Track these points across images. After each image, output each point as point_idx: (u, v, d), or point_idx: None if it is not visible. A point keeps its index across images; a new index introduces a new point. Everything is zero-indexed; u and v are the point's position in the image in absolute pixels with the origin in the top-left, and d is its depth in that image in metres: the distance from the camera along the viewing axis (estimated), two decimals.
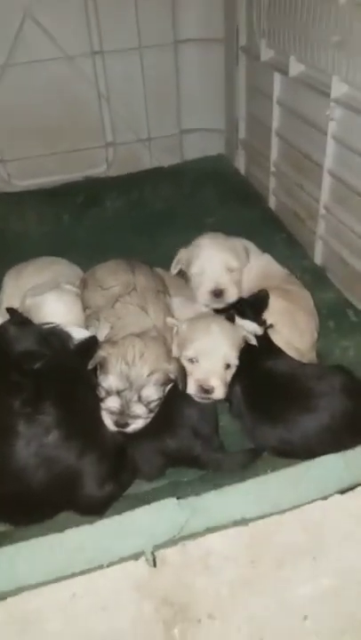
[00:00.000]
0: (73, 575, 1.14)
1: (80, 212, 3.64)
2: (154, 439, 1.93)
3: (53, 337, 2.08)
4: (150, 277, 2.33)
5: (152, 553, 1.17)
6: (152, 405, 1.88)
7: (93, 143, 3.91)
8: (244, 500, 1.23)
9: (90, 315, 2.24)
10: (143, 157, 4.05)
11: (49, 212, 3.61)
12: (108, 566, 1.14)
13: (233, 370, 2.02)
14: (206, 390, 1.95)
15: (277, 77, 3.03)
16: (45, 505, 1.76)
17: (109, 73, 3.67)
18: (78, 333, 2.11)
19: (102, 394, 1.86)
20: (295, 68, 2.83)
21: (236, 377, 2.04)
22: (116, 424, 1.82)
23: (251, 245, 2.64)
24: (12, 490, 1.72)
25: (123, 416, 1.82)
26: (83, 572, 1.26)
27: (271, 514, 1.27)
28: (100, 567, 1.16)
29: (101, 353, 1.89)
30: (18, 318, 2.20)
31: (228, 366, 2.01)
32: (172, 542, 1.31)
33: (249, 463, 1.96)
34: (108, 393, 1.84)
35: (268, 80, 3.11)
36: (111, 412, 1.83)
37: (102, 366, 1.89)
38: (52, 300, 2.38)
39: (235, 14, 3.38)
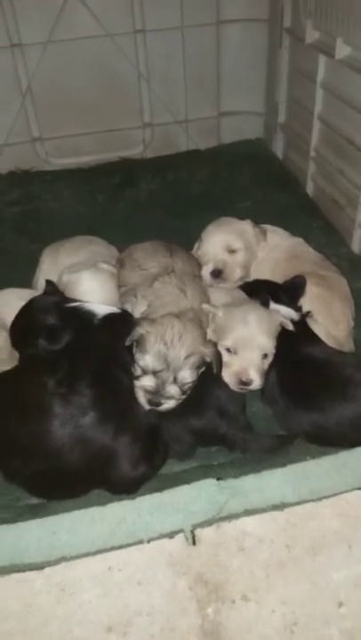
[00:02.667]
0: (113, 548, 1.15)
1: (115, 192, 3.63)
2: (182, 418, 1.93)
3: (76, 315, 2.07)
4: (188, 261, 2.33)
5: (192, 531, 1.17)
6: (186, 387, 1.88)
7: (131, 123, 3.89)
8: (283, 485, 1.23)
9: (125, 292, 2.25)
10: (180, 139, 4.01)
11: (84, 192, 3.62)
12: (148, 542, 1.15)
13: (270, 359, 2.01)
14: (244, 382, 1.94)
15: (322, 60, 2.96)
16: (79, 482, 1.78)
17: (150, 52, 3.63)
18: (102, 310, 2.09)
19: (138, 372, 1.86)
20: (342, 50, 2.75)
21: (270, 362, 2.03)
22: (150, 402, 1.83)
23: (277, 229, 2.64)
24: (47, 467, 1.74)
25: (157, 395, 1.82)
26: (121, 547, 1.28)
27: (309, 500, 1.26)
28: (140, 542, 1.17)
29: (140, 330, 1.88)
30: (51, 291, 2.20)
31: (265, 356, 2.00)
32: (208, 522, 1.32)
33: (276, 448, 1.95)
34: (145, 372, 1.83)
35: (312, 62, 3.04)
36: (146, 391, 1.83)
37: (139, 344, 1.88)
38: (88, 278, 2.40)
39: None
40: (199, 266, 2.44)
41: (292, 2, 3.22)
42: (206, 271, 2.44)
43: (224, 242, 2.48)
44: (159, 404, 1.84)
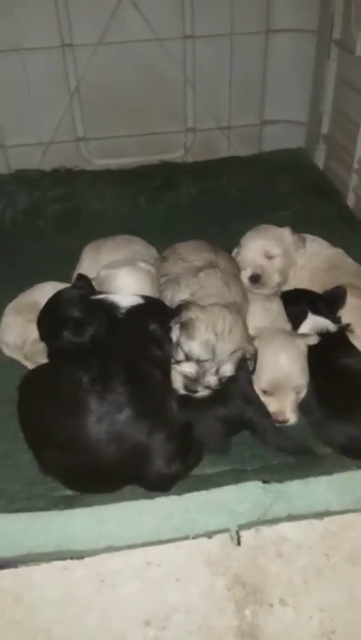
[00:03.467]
0: (160, 542, 1.17)
1: (155, 195, 3.66)
2: (210, 407, 1.93)
3: (102, 307, 2.08)
4: (230, 261, 2.37)
5: (237, 531, 1.18)
6: (224, 380, 1.88)
7: (174, 127, 3.93)
8: (328, 493, 1.24)
9: (167, 281, 2.26)
10: (221, 145, 4.04)
11: (125, 193, 3.65)
12: (194, 538, 1.16)
13: (304, 392, 2.02)
14: (281, 422, 1.96)
15: None
16: (114, 478, 1.80)
17: (198, 58, 3.67)
18: (125, 301, 2.09)
19: (179, 356, 1.83)
20: None
21: (309, 369, 2.03)
22: (186, 388, 1.82)
23: (317, 239, 2.65)
24: (83, 461, 1.77)
25: (195, 383, 1.81)
26: (160, 542, 1.29)
27: (354, 510, 1.27)
28: (185, 538, 1.18)
29: (189, 314, 1.85)
30: (79, 284, 2.23)
31: (299, 392, 2.01)
32: (249, 525, 1.33)
33: (288, 450, 1.96)
34: (188, 358, 1.81)
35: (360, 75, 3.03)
36: (185, 377, 1.81)
37: (186, 328, 1.84)
38: (125, 274, 2.43)
39: (331, 6, 3.30)
40: (239, 269, 2.46)
41: (343, 14, 3.23)
42: (245, 276, 2.45)
43: (263, 247, 2.51)
44: (195, 392, 1.83)
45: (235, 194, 3.63)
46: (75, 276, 2.63)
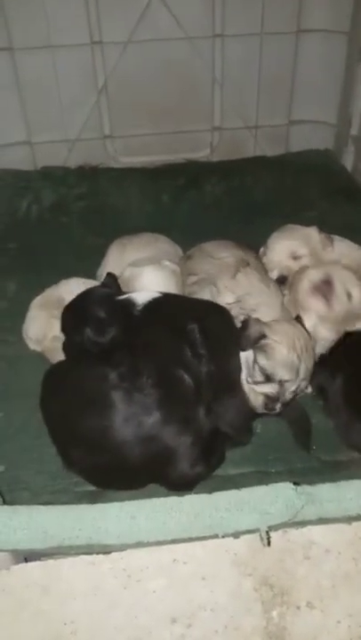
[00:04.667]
0: (190, 539, 1.17)
1: (180, 193, 3.66)
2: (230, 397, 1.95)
3: (127, 307, 2.07)
4: (258, 259, 2.40)
5: (268, 532, 1.17)
6: (299, 393, 1.94)
7: (200, 126, 3.92)
8: (360, 497, 1.22)
9: (199, 281, 2.26)
10: (247, 145, 4.02)
11: (149, 191, 3.66)
12: (223, 537, 1.16)
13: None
14: (270, 409, 1.94)
15: None
16: (138, 477, 1.81)
17: (227, 57, 3.65)
18: (141, 298, 2.08)
19: (258, 377, 1.86)
20: None
21: (337, 367, 2.02)
22: (266, 407, 1.86)
23: (345, 240, 2.62)
24: (107, 461, 1.77)
25: (275, 402, 1.86)
26: (187, 540, 1.29)
27: None
28: (215, 536, 1.18)
29: (268, 336, 1.86)
30: (108, 283, 2.23)
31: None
32: (278, 527, 1.32)
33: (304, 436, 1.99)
34: (269, 379, 1.84)
35: None
36: (267, 397, 1.85)
37: (264, 350, 1.86)
38: (150, 273, 2.43)
39: None
40: (265, 269, 2.45)
41: None
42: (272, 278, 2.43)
43: (289, 248, 2.48)
44: (274, 410, 1.88)
45: (260, 194, 3.61)
46: (99, 273, 2.65)
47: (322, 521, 1.27)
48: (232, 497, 1.18)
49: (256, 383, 1.87)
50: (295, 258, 2.47)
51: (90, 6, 3.42)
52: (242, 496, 1.18)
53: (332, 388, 2.02)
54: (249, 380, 1.90)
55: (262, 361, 1.86)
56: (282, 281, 2.42)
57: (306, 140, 3.96)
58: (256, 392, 1.88)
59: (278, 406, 1.87)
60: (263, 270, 2.29)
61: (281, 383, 1.85)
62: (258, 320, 1.95)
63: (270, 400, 1.85)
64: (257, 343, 1.87)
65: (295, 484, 1.25)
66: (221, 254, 2.27)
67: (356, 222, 3.20)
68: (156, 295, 2.09)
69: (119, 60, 3.60)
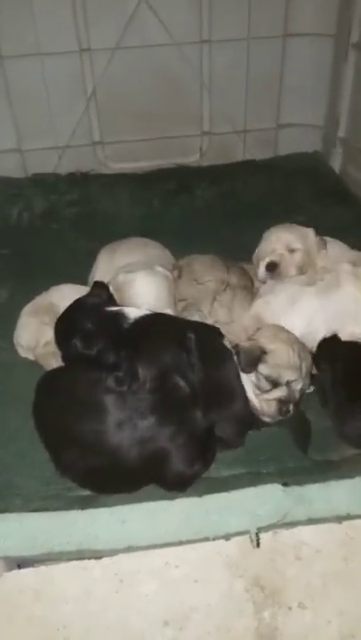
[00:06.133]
0: (180, 543, 1.17)
1: (170, 198, 3.67)
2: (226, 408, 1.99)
3: (111, 320, 2.09)
4: (242, 277, 2.44)
5: (257, 534, 1.18)
6: (304, 393, 2.00)
7: (189, 131, 3.94)
8: (349, 496, 1.23)
9: (187, 307, 2.34)
10: (236, 149, 4.04)
11: (140, 196, 3.67)
12: (213, 539, 1.16)
13: None
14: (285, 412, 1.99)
15: None
16: (133, 479, 1.81)
17: (214, 62, 3.68)
18: (133, 312, 2.10)
19: (265, 385, 1.92)
20: None
21: (337, 355, 2.06)
22: (280, 412, 1.91)
23: (337, 242, 2.64)
24: (102, 465, 1.78)
25: (287, 404, 1.91)
26: (178, 544, 1.30)
27: None
28: (205, 540, 1.18)
29: (263, 346, 1.94)
30: (96, 293, 2.24)
31: None
32: (268, 528, 1.32)
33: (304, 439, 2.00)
34: (277, 384, 1.91)
35: None
36: (280, 401, 1.91)
37: (265, 360, 1.93)
38: (143, 278, 2.44)
39: (350, 10, 3.31)
40: (252, 280, 2.50)
41: None
42: (263, 265, 2.46)
43: (285, 240, 2.49)
44: (288, 412, 1.93)
45: (250, 198, 3.63)
46: (91, 278, 2.66)
47: (312, 521, 1.28)
48: (222, 499, 1.18)
49: (265, 392, 1.93)
50: (290, 250, 2.47)
51: (77, 14, 3.44)
52: (231, 498, 1.19)
53: (330, 374, 2.05)
54: (257, 392, 1.95)
55: (266, 370, 1.93)
56: (271, 268, 2.43)
57: (294, 143, 3.99)
58: (268, 401, 1.93)
59: (291, 407, 1.92)
60: (242, 287, 2.34)
61: (288, 384, 1.91)
62: (249, 340, 2.01)
63: (283, 404, 1.92)
64: (259, 361, 1.93)
65: (285, 484, 1.25)
66: (205, 277, 2.36)
67: (346, 224, 3.22)
68: (149, 312, 2.13)
69: (107, 66, 3.62)
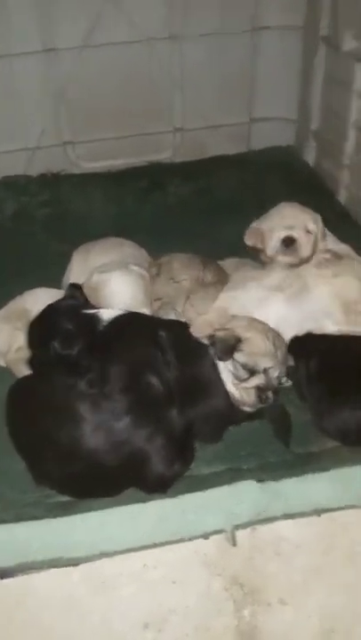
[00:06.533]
0: (155, 545, 1.15)
1: (144, 196, 3.64)
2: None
3: (94, 321, 2.08)
4: (217, 273, 2.42)
5: (233, 532, 1.16)
6: (282, 379, 2.03)
7: (161, 128, 3.90)
8: (326, 490, 1.22)
9: (163, 306, 2.33)
10: (209, 145, 4.00)
11: (113, 195, 3.64)
12: (190, 540, 1.14)
13: None
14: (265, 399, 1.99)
15: (359, 68, 2.96)
16: (113, 483, 1.78)
17: (184, 58, 3.64)
18: (107, 314, 2.10)
19: (243, 374, 1.93)
20: None
21: (314, 347, 2.09)
22: (261, 399, 1.92)
23: (327, 232, 2.61)
24: (80, 470, 1.76)
25: (266, 391, 1.93)
26: (156, 545, 1.27)
27: (352, 506, 1.25)
28: (181, 540, 1.16)
29: (239, 335, 1.97)
30: (71, 295, 2.21)
31: None
32: (245, 525, 1.31)
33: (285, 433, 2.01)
34: (253, 372, 1.92)
35: (348, 71, 3.03)
36: (259, 389, 1.92)
37: (240, 349, 1.95)
38: (118, 278, 2.42)
39: (318, 3, 3.31)
40: (226, 275, 2.46)
41: (331, 11, 3.23)
42: (277, 239, 2.37)
43: (303, 219, 2.43)
44: (268, 399, 1.94)
45: (224, 193, 3.62)
46: (66, 280, 2.62)
47: (290, 516, 1.27)
48: (197, 498, 1.17)
49: (243, 381, 1.94)
50: (308, 232, 2.40)
51: (42, 13, 3.38)
52: (207, 497, 1.17)
53: (307, 371, 2.07)
54: (235, 381, 1.96)
55: (242, 358, 1.94)
56: (288, 243, 2.35)
57: (267, 137, 3.98)
58: (247, 389, 1.94)
59: (270, 394, 1.94)
60: (215, 283, 2.34)
61: (266, 371, 1.93)
62: (224, 329, 2.02)
63: (262, 391, 1.93)
64: (235, 349, 1.94)
65: (260, 481, 1.24)
66: (181, 276, 2.35)
67: (323, 218, 3.21)
68: (122, 312, 2.12)
69: (75, 65, 3.56)
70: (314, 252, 2.43)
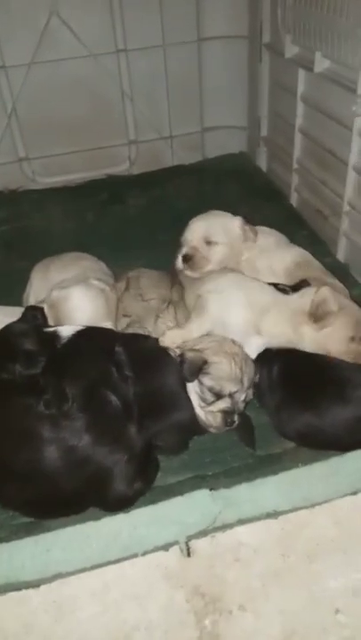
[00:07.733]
0: (108, 563, 1.15)
1: (103, 209, 3.66)
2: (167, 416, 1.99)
3: (53, 338, 2.05)
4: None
5: (186, 543, 1.17)
6: (248, 402, 2.04)
7: (116, 141, 3.94)
8: (275, 494, 1.24)
9: (132, 323, 2.34)
10: (165, 155, 4.07)
11: (72, 210, 3.64)
12: (143, 555, 1.15)
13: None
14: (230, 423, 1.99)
15: (302, 74, 3.02)
16: (75, 503, 1.77)
17: (133, 71, 3.69)
18: (66, 331, 2.08)
19: (209, 397, 1.94)
20: (321, 63, 2.81)
21: (276, 356, 2.10)
22: (226, 423, 1.93)
23: (273, 232, 2.65)
24: (43, 492, 1.74)
25: (231, 415, 1.93)
26: (116, 562, 1.28)
27: (303, 507, 1.27)
28: (135, 556, 1.17)
29: (206, 358, 1.97)
30: (29, 317, 2.20)
31: None
32: (202, 533, 1.32)
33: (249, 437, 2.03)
34: (219, 396, 1.93)
35: (292, 76, 3.09)
36: (225, 413, 1.93)
37: (208, 372, 1.95)
38: (78, 293, 2.40)
39: (259, 11, 3.38)
40: None
41: (271, 18, 3.29)
42: (179, 255, 2.42)
43: (204, 231, 2.44)
44: (233, 423, 1.94)
45: (182, 202, 3.64)
46: (26, 297, 2.61)
47: (244, 521, 1.28)
48: (149, 512, 1.17)
49: (209, 404, 1.95)
50: (208, 242, 2.42)
51: None
52: (158, 510, 1.18)
53: (270, 374, 2.08)
54: (202, 404, 1.96)
55: (209, 382, 1.95)
56: (186, 259, 2.38)
57: (220, 145, 4.05)
58: (213, 412, 1.94)
59: (236, 418, 1.94)
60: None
61: (231, 396, 1.94)
62: (193, 350, 2.01)
63: (228, 415, 1.94)
64: (201, 371, 1.95)
65: (211, 489, 1.25)
66: (150, 295, 2.36)
67: (277, 221, 3.25)
68: (81, 328, 2.09)
69: (25, 82, 3.58)
70: (231, 259, 2.44)
